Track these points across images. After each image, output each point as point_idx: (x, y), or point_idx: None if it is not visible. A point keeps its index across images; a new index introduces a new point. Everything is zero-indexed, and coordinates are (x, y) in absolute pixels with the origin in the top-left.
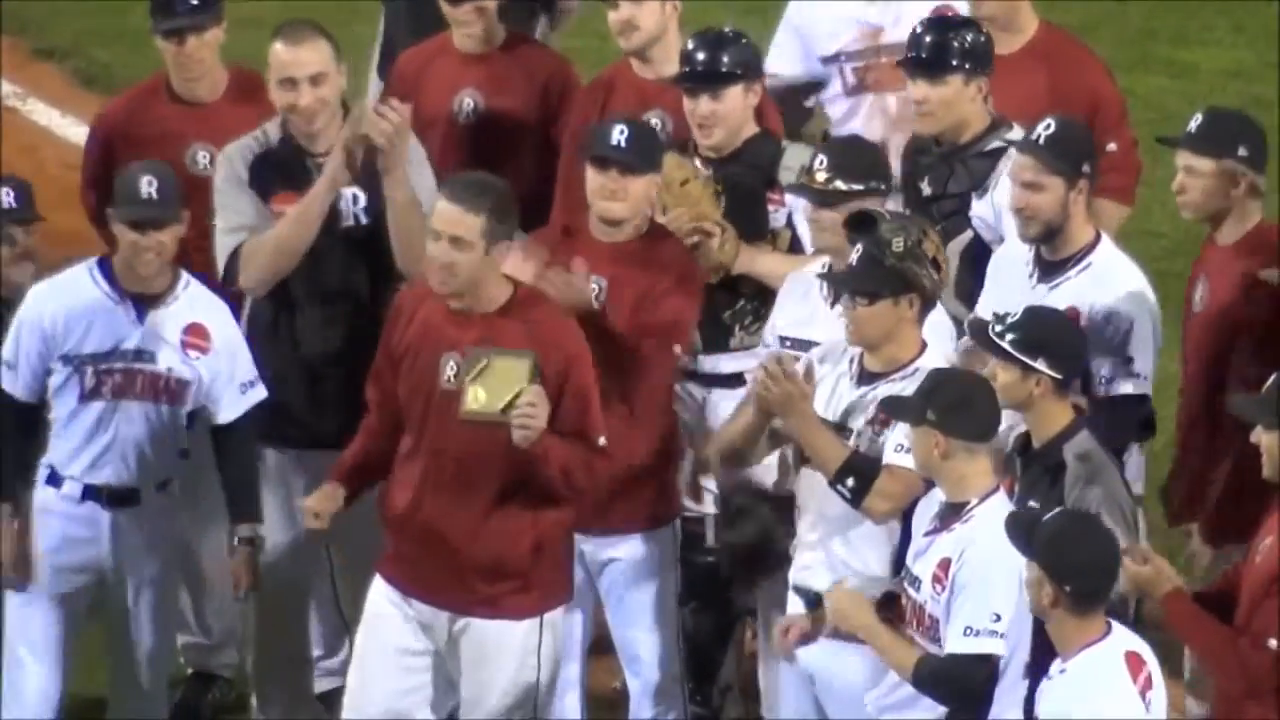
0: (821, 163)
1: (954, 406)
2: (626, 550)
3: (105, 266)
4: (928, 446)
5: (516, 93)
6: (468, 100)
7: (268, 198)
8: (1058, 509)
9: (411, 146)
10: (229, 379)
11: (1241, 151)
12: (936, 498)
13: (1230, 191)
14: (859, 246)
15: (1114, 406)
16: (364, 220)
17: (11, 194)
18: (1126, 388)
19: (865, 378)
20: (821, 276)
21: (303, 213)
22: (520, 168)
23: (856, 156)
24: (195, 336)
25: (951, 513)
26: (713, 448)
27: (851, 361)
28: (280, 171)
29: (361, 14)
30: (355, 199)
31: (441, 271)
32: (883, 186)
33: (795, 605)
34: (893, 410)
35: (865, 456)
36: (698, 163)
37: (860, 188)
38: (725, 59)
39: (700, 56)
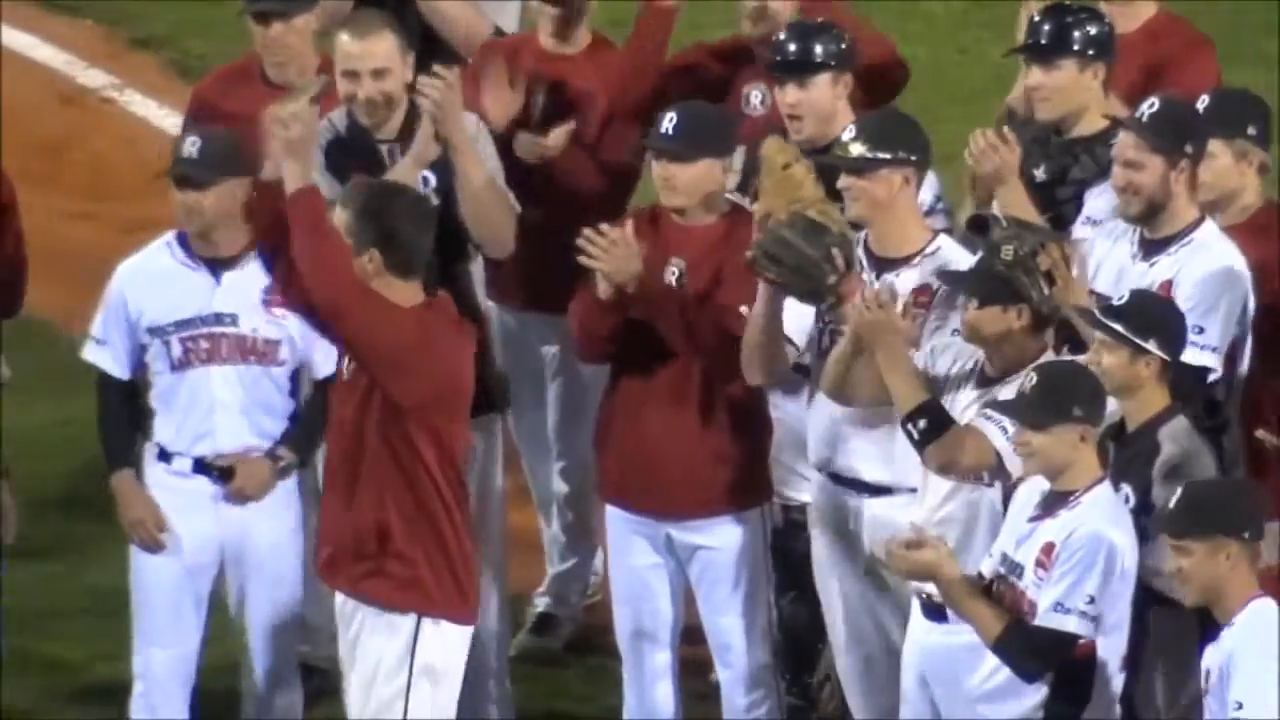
0: (852, 133)
1: (1095, 397)
2: (715, 536)
3: (183, 236)
4: (1072, 439)
5: (590, 92)
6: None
7: (343, 182)
8: (1181, 489)
9: (472, 119)
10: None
11: (1250, 130)
12: (1039, 486)
13: (1243, 170)
14: (982, 248)
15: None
16: (434, 199)
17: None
18: (1188, 355)
19: (984, 381)
20: (939, 275)
21: None
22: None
23: (888, 126)
24: (270, 296)
25: (1058, 500)
26: (822, 384)
27: (977, 365)
28: (353, 156)
29: None
30: (425, 180)
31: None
32: (913, 158)
33: (915, 611)
34: (1023, 414)
35: (943, 408)
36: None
37: (888, 156)
38: (816, 49)
39: (791, 46)
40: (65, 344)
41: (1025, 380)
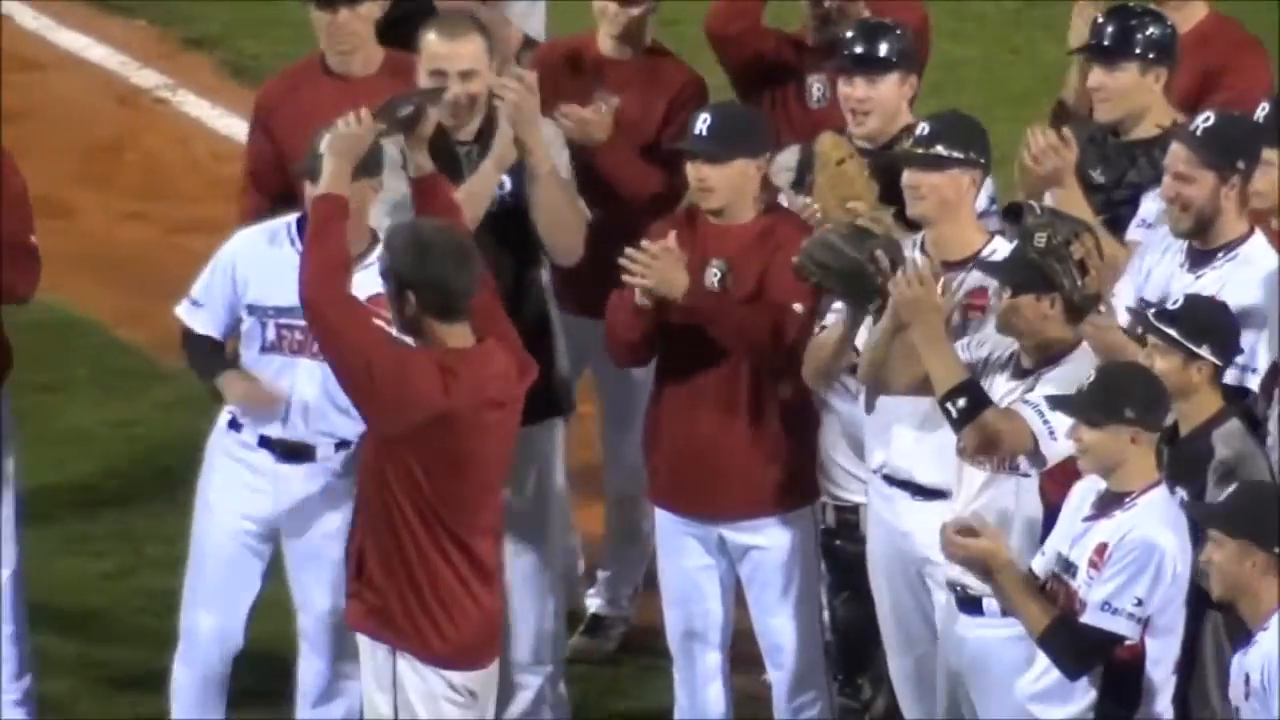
0: (923, 131)
1: (1151, 402)
2: (765, 536)
3: (303, 224)
4: (1124, 440)
5: (648, 99)
6: (601, 104)
7: None
8: (1235, 486)
9: (549, 124)
10: None
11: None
12: (1094, 486)
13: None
14: (1015, 237)
15: None
16: (509, 202)
17: None
18: (1228, 375)
19: (1020, 372)
20: (978, 265)
21: (471, 193)
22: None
23: (962, 126)
24: (376, 306)
25: (1113, 501)
26: (860, 370)
27: (1012, 356)
28: (437, 160)
29: None
30: (501, 183)
31: None
32: (982, 160)
33: (947, 605)
34: (1076, 410)
35: (982, 389)
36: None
37: (960, 155)
38: (884, 47)
39: (862, 42)
40: (118, 345)
41: (1087, 377)
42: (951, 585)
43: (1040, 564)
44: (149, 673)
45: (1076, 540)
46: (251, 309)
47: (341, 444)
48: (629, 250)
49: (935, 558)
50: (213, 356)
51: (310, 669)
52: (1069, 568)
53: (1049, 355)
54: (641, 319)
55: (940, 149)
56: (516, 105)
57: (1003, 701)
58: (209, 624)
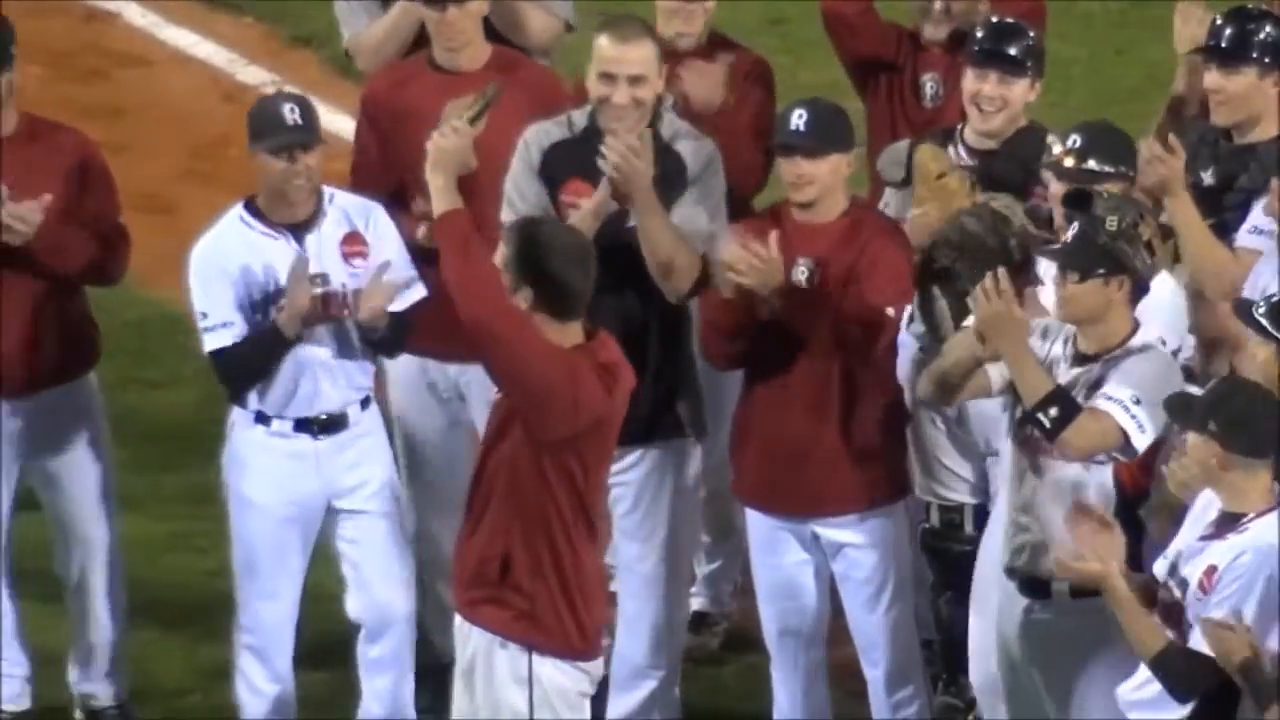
0: (1074, 143)
1: (1237, 422)
2: (857, 533)
3: (251, 208)
4: (1205, 455)
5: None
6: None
7: (559, 185)
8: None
9: (708, 146)
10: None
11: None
12: (1214, 504)
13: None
14: (1075, 223)
15: None
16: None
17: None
18: None
19: (1079, 359)
20: (1039, 252)
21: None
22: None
23: (1110, 139)
24: (351, 244)
25: (1228, 522)
26: (925, 381)
27: (1067, 342)
28: (577, 160)
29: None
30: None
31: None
32: (1131, 173)
33: (1009, 591)
34: (1176, 412)
35: (1070, 394)
36: (961, 152)
37: (1111, 170)
38: (1019, 48)
39: (997, 41)
40: None
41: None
42: (1012, 571)
43: (1161, 567)
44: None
45: (1191, 557)
46: (254, 305)
47: (365, 401)
48: (729, 250)
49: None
50: (262, 333)
51: (367, 640)
52: (1182, 583)
53: (1111, 341)
54: (733, 321)
55: (1092, 164)
56: (617, 168)
57: (1079, 685)
58: (271, 611)
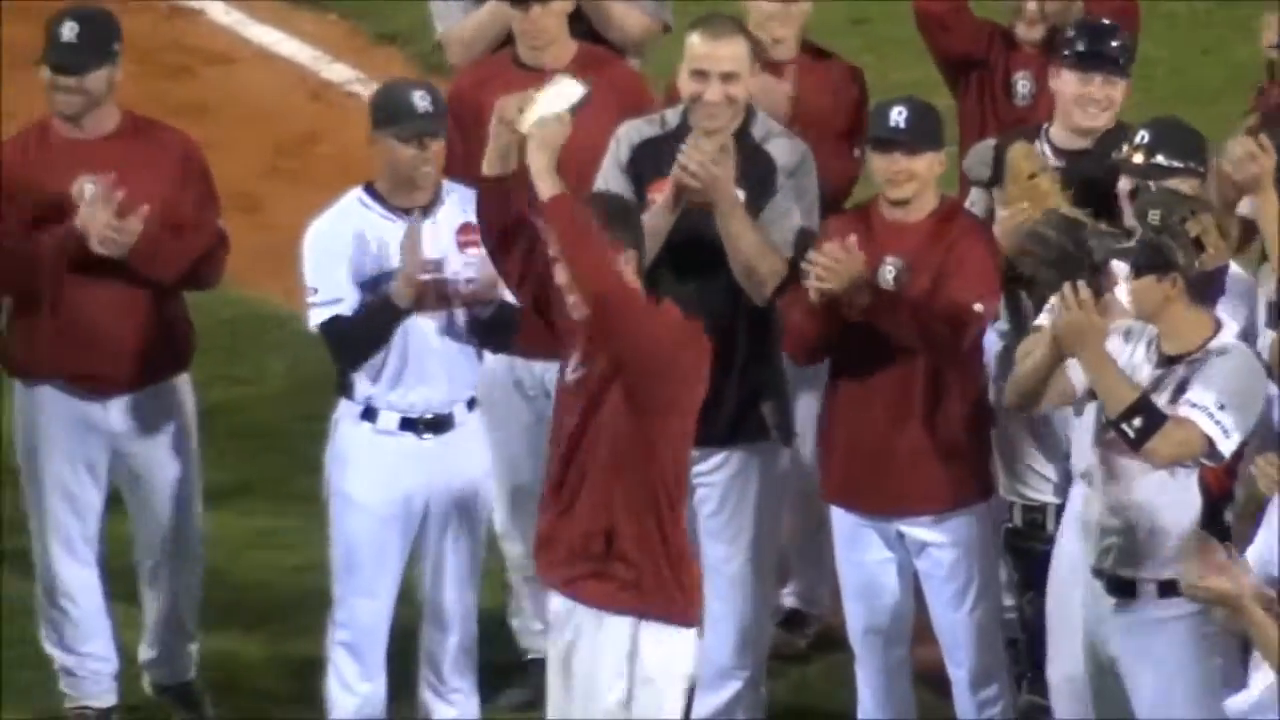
0: (1143, 139)
1: None
2: (942, 532)
3: (371, 191)
4: None
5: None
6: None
7: (647, 182)
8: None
9: (801, 147)
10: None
11: None
12: None
13: None
14: (1141, 225)
15: None
16: None
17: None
18: None
19: (1162, 360)
20: (1098, 249)
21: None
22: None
23: (1179, 134)
24: (467, 234)
25: None
26: (1009, 389)
27: (1150, 344)
28: (666, 158)
29: None
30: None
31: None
32: (1201, 169)
33: (1095, 591)
34: None
35: (1153, 402)
36: (1047, 151)
37: (1180, 165)
38: (1120, 49)
39: (1101, 41)
40: (310, 340)
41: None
42: (1101, 573)
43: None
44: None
45: None
46: (364, 286)
47: (471, 402)
48: (810, 252)
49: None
50: (373, 305)
51: (437, 642)
52: None
53: (1191, 342)
54: (818, 318)
55: (1161, 159)
56: (696, 175)
57: (1170, 680)
58: (368, 609)
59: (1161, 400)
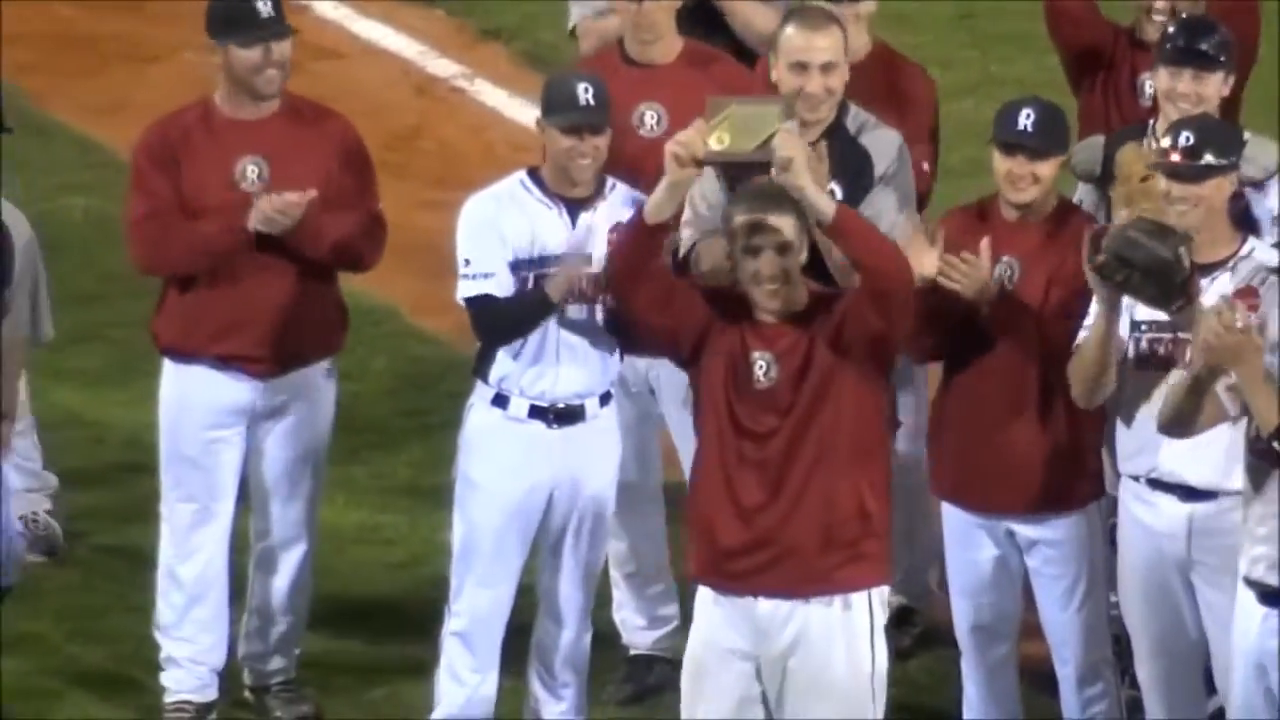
0: (1188, 140)
1: None
2: (1052, 531)
3: (535, 176)
4: None
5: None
6: (649, 114)
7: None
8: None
9: (895, 142)
10: None
11: None
12: None
13: None
14: None
15: None
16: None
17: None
18: None
19: None
20: (1274, 271)
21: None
22: None
23: (1220, 131)
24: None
25: None
26: (1163, 417)
27: None
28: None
29: None
30: (832, 192)
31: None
32: (1237, 162)
33: (1247, 600)
34: None
35: None
36: (1153, 149)
37: (1225, 162)
38: (1209, 42)
39: (1187, 37)
40: (415, 333)
41: None
42: (1250, 582)
43: None
44: (438, 661)
45: None
46: (514, 265)
47: (605, 397)
48: (945, 257)
49: (1204, 559)
50: (526, 294)
51: (551, 636)
52: None
53: None
54: (936, 318)
55: (1210, 158)
56: (783, 164)
57: None
58: (486, 599)
59: None
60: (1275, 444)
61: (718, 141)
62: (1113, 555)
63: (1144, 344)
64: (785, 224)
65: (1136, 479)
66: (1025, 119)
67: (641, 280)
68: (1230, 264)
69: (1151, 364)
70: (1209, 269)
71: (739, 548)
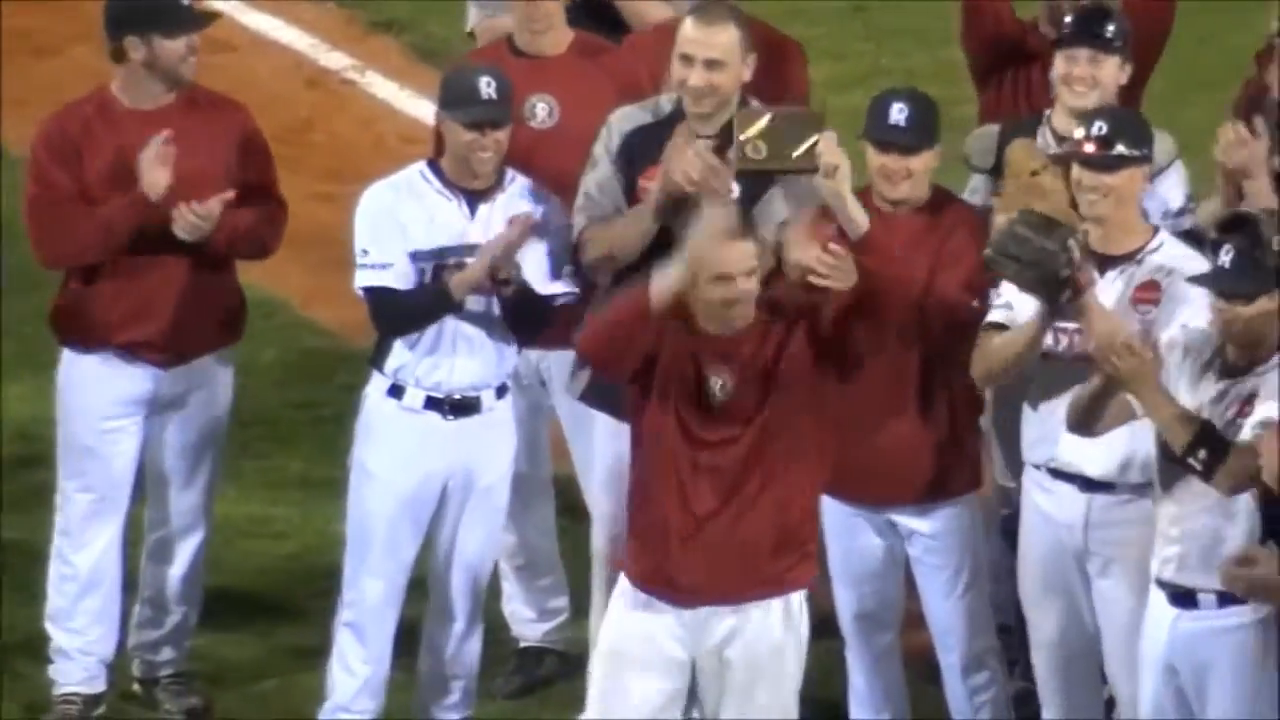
0: (1100, 129)
1: None
2: (932, 521)
3: (434, 167)
4: None
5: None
6: (540, 105)
7: (640, 170)
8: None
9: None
10: (541, 258)
11: None
12: None
13: None
14: (1228, 247)
15: None
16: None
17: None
18: None
19: (1230, 370)
20: (1193, 280)
21: (632, 225)
22: None
23: (1133, 122)
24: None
25: None
26: (1069, 422)
27: (1215, 355)
28: (658, 146)
29: None
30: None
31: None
32: (1150, 154)
33: (1157, 601)
34: None
35: (1216, 431)
36: (1049, 138)
37: (1138, 153)
38: (1107, 27)
39: (1083, 21)
40: (306, 325)
41: None
42: (1161, 583)
43: None
44: (329, 653)
45: None
46: (413, 256)
47: (501, 390)
48: (816, 255)
49: (1099, 550)
50: (428, 289)
51: (441, 628)
52: None
53: (1261, 353)
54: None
55: (1122, 149)
56: (829, 170)
57: (1231, 689)
58: (376, 590)
59: (1230, 413)
60: (1189, 460)
61: (754, 151)
62: (1009, 547)
63: (1050, 335)
64: (750, 249)
65: (1038, 468)
66: (898, 114)
67: (627, 357)
68: (1138, 257)
69: (1057, 355)
70: (1118, 260)
71: (688, 557)
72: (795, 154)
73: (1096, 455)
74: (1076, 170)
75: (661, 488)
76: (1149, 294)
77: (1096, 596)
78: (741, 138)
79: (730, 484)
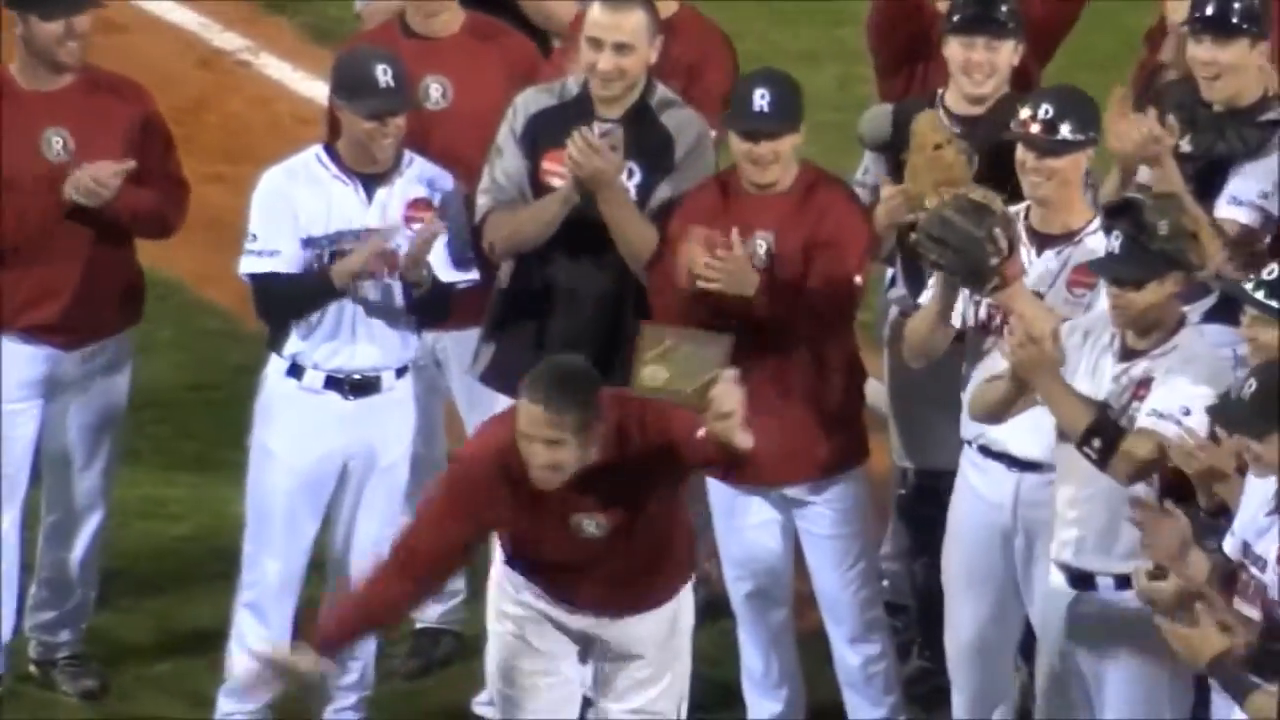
0: (1046, 111)
1: None
2: (819, 496)
3: (330, 151)
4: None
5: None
6: (434, 86)
7: (542, 153)
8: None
9: (697, 133)
10: (440, 245)
11: None
12: (1271, 480)
13: None
14: (1117, 233)
15: None
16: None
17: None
18: None
19: (1127, 354)
20: (1091, 265)
21: (538, 214)
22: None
23: (1080, 105)
24: (417, 209)
25: None
26: (968, 405)
27: (1113, 338)
28: (562, 129)
29: None
30: (631, 172)
31: (545, 472)
32: (1096, 137)
33: (1056, 582)
34: (1238, 424)
35: (1111, 419)
36: (943, 118)
37: (1083, 137)
38: (1001, 10)
39: (978, 5)
40: (200, 306)
41: (1244, 386)
42: (1061, 565)
43: (1230, 545)
44: (226, 634)
45: (1262, 534)
46: (306, 241)
47: (401, 370)
48: (692, 255)
49: (1026, 529)
50: (310, 276)
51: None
52: (1258, 561)
53: (1157, 334)
54: (692, 304)
55: (1067, 133)
56: (580, 164)
57: (1128, 671)
58: (275, 570)
59: (1125, 397)
60: (1084, 449)
61: (651, 378)
62: (907, 528)
63: (983, 310)
64: (566, 432)
65: (970, 444)
66: (760, 100)
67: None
68: (1077, 238)
69: (991, 330)
70: (1056, 240)
71: (566, 595)
72: (691, 388)
73: (1023, 436)
74: (1021, 151)
75: (532, 568)
76: (1085, 278)
77: (1021, 578)
78: (643, 359)
79: (605, 573)
